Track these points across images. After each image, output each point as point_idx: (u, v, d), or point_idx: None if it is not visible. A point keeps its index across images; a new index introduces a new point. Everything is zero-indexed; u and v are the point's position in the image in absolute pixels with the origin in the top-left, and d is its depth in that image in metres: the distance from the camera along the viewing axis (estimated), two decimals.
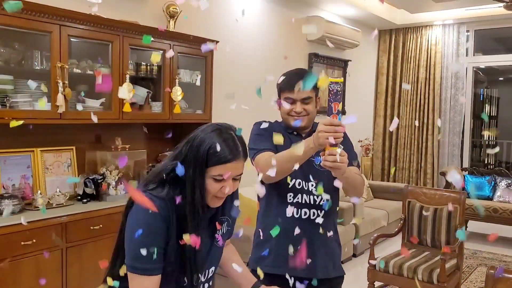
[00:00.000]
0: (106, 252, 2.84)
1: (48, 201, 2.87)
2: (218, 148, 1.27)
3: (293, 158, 1.64)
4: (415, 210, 3.50)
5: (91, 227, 2.81)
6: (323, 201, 1.83)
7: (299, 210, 1.84)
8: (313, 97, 1.85)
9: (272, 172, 1.48)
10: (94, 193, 3.11)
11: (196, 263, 1.33)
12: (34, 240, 2.53)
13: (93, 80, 3.15)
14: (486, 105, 10.20)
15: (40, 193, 2.86)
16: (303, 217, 1.83)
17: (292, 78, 1.82)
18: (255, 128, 1.94)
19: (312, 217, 1.84)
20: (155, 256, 1.25)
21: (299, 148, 1.45)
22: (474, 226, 6.05)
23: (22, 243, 2.48)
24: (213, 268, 1.47)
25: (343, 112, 6.58)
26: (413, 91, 6.71)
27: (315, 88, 1.83)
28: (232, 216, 1.52)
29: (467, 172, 6.05)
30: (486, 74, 9.19)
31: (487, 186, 5.72)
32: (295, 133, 1.92)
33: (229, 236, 1.58)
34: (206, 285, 1.46)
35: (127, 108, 3.11)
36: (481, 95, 10.07)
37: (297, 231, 1.79)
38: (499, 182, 5.68)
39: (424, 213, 3.33)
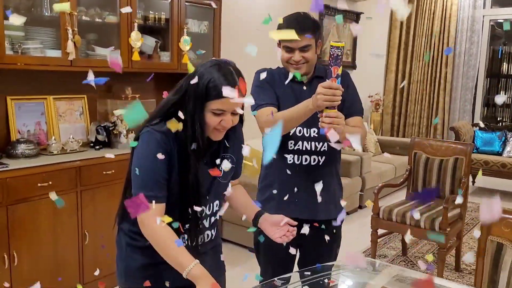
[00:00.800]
0: (118, 195, 2.97)
1: (62, 147, 2.97)
2: (217, 82, 1.31)
3: (294, 118, 1.72)
4: (421, 161, 3.55)
5: (104, 172, 2.92)
6: (324, 147, 1.88)
7: (300, 156, 1.89)
8: (313, 43, 1.84)
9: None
10: (106, 140, 3.20)
11: (199, 195, 1.40)
12: (50, 182, 2.65)
13: (102, 28, 3.19)
14: (504, 63, 9.96)
15: (54, 139, 2.96)
16: (304, 163, 1.89)
17: (290, 26, 1.76)
18: (255, 79, 1.95)
19: (312, 163, 1.89)
20: (157, 182, 1.33)
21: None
22: (481, 181, 6.10)
23: (39, 184, 2.60)
24: (217, 202, 1.54)
25: (354, 67, 6.53)
26: (426, 44, 6.58)
27: (315, 33, 1.82)
28: (238, 156, 1.58)
29: (477, 127, 6.03)
30: (503, 29, 8.94)
31: (497, 141, 5.71)
32: (296, 79, 1.90)
33: (236, 175, 1.64)
34: (212, 218, 1.54)
35: (136, 56, 3.14)
36: (500, 52, 9.82)
37: (298, 176, 1.87)
38: (510, 137, 5.67)
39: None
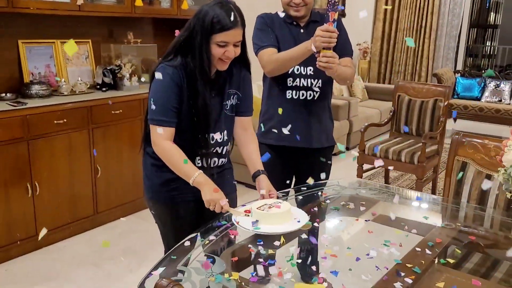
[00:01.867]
0: (127, 133, 3.24)
1: (72, 89, 3.18)
2: (220, 17, 1.53)
3: (293, 58, 1.98)
4: (404, 103, 3.84)
5: (112, 112, 3.15)
6: (319, 83, 2.09)
7: (297, 92, 2.11)
8: None
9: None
10: (112, 83, 3.41)
11: (208, 122, 1.64)
12: (65, 120, 2.88)
13: None
14: (492, 13, 10.09)
15: (64, 81, 3.16)
16: (301, 98, 2.11)
17: None
18: (257, 22, 2.16)
19: (308, 98, 2.11)
20: (168, 109, 1.57)
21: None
22: (461, 125, 6.46)
23: (55, 122, 2.83)
24: (226, 132, 1.77)
25: (344, 15, 6.67)
26: None
27: None
28: (245, 93, 1.80)
29: (459, 74, 6.32)
30: None
31: (476, 87, 6.03)
32: (294, 23, 2.13)
33: (246, 111, 1.83)
34: (223, 147, 1.78)
35: (139, 2, 3.29)
36: (487, 2, 9.93)
37: (296, 110, 2.11)
38: (488, 83, 5.98)
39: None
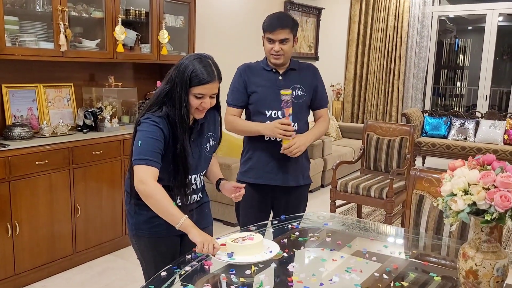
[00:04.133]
0: (107, 173, 3.35)
1: (53, 131, 3.28)
2: (198, 72, 1.70)
3: (246, 131, 2.33)
4: (373, 141, 4.06)
5: (93, 152, 3.26)
6: (295, 127, 2.24)
7: None
8: (290, 38, 2.23)
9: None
10: (93, 125, 3.53)
11: (186, 165, 1.79)
12: (47, 161, 2.97)
13: (88, 22, 3.50)
14: (460, 55, 10.65)
15: (46, 123, 3.27)
16: (278, 140, 2.25)
17: (273, 22, 2.23)
18: (235, 75, 2.39)
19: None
20: (154, 152, 1.70)
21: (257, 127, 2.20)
22: (431, 162, 6.74)
23: (37, 163, 2.92)
24: (204, 171, 1.96)
25: (317, 58, 7.02)
26: (382, 38, 7.15)
27: (293, 30, 2.25)
28: (218, 135, 1.99)
29: (427, 113, 6.65)
30: (455, 23, 9.63)
31: (443, 126, 6.35)
32: (273, 70, 2.32)
33: (215, 149, 2.03)
34: (199, 183, 1.93)
35: (120, 48, 3.48)
36: (456, 45, 10.50)
37: (272, 151, 2.27)
38: (454, 122, 6.31)
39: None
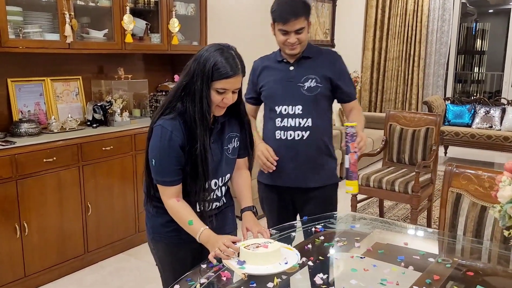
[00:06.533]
0: (118, 169, 3.21)
1: (62, 126, 3.15)
2: (220, 65, 1.52)
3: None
4: (396, 132, 3.85)
5: (103, 148, 3.12)
6: (308, 123, 2.04)
7: (285, 132, 2.06)
8: (305, 25, 1.98)
9: None
10: (103, 119, 3.39)
11: (207, 169, 1.60)
12: (55, 158, 2.84)
13: (96, 12, 3.34)
14: (478, 39, 10.29)
15: (54, 119, 3.14)
16: (289, 138, 2.06)
17: (284, 11, 1.95)
18: (251, 69, 2.18)
19: (296, 138, 2.05)
20: (170, 171, 1.57)
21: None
22: (453, 151, 6.48)
23: (44, 160, 2.79)
24: (228, 175, 1.76)
25: (333, 45, 6.78)
26: (401, 23, 6.87)
27: (307, 16, 1.99)
28: (243, 136, 1.78)
29: (449, 101, 6.38)
30: (476, 6, 9.26)
31: (467, 114, 6.08)
32: (284, 60, 2.10)
33: (243, 153, 1.81)
34: (223, 188, 1.76)
35: (129, 38, 3.31)
36: (474, 29, 10.14)
37: (284, 150, 2.06)
38: (478, 110, 6.04)
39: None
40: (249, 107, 2.19)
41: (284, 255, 1.51)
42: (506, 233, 1.06)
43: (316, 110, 2.06)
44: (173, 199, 1.60)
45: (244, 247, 1.49)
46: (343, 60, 2.17)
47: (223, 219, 1.81)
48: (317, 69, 2.06)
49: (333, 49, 2.21)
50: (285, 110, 2.06)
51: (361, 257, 1.63)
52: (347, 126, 1.84)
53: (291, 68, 2.08)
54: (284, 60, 2.10)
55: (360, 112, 2.16)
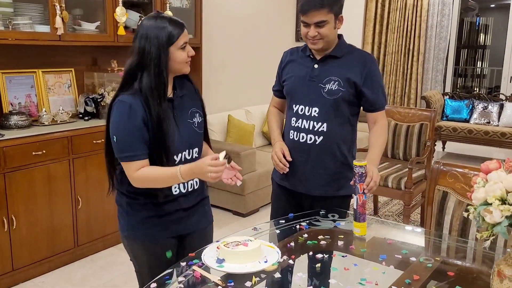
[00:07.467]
0: None
1: (53, 118, 3.13)
2: (170, 27, 1.55)
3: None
4: (390, 127, 3.82)
5: (94, 141, 3.10)
6: (323, 127, 1.91)
7: (298, 134, 1.96)
8: (329, 19, 1.84)
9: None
10: (95, 112, 3.37)
11: (173, 138, 1.60)
12: (44, 151, 2.83)
13: (88, 4, 3.31)
14: (482, 34, 10.21)
15: (45, 111, 3.12)
16: (301, 140, 1.94)
17: (306, 1, 1.83)
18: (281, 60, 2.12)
19: (308, 142, 1.93)
20: (133, 143, 1.54)
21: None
22: (451, 146, 6.45)
23: (33, 153, 2.78)
24: (196, 149, 1.74)
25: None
26: (400, 17, 6.80)
27: (332, 8, 1.84)
28: (201, 111, 1.78)
29: (447, 96, 6.34)
30: (477, 1, 9.18)
31: (465, 109, 6.04)
32: (311, 56, 1.96)
33: (204, 126, 1.81)
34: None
35: (121, 31, 3.28)
36: (477, 24, 10.06)
37: (296, 152, 1.97)
38: (476, 105, 6.00)
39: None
40: (274, 100, 2.17)
41: (264, 253, 1.50)
42: (478, 235, 1.04)
43: (335, 115, 1.91)
44: (140, 169, 1.55)
45: (224, 245, 1.48)
46: (377, 64, 1.99)
47: (202, 213, 1.81)
48: (342, 71, 1.90)
49: (369, 53, 2.00)
50: (302, 110, 1.94)
51: (343, 256, 1.61)
52: (355, 165, 1.69)
53: (316, 66, 1.94)
54: (311, 56, 1.96)
55: (384, 129, 1.99)
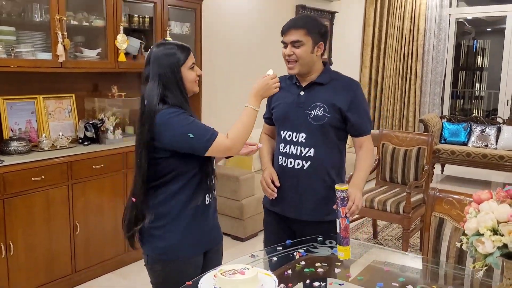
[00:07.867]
0: (108, 187, 3.20)
1: (53, 144, 3.16)
2: (178, 52, 1.71)
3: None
4: (388, 151, 3.84)
5: (93, 166, 3.12)
6: (310, 152, 1.93)
7: (286, 159, 1.98)
8: (306, 42, 1.88)
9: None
10: (94, 137, 3.39)
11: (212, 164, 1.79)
12: (43, 177, 2.84)
13: (89, 31, 3.38)
14: (479, 56, 10.34)
15: (45, 136, 3.15)
16: (289, 166, 1.97)
17: (287, 23, 1.93)
18: None
19: (296, 167, 1.95)
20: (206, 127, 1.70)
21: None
22: (450, 170, 6.46)
23: (33, 179, 2.79)
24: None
25: (330, 63, 6.81)
26: (397, 42, 6.92)
27: (312, 34, 1.89)
28: None
29: (445, 119, 6.39)
30: (474, 25, 9.32)
31: (462, 132, 6.07)
32: (297, 84, 1.99)
33: None
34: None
35: (122, 57, 3.34)
36: (474, 47, 10.20)
37: (284, 178, 1.99)
38: (474, 128, 6.03)
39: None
40: (265, 127, 2.23)
41: (261, 281, 1.50)
42: (471, 266, 1.05)
43: (322, 140, 1.94)
44: (227, 138, 1.70)
45: (221, 273, 1.48)
46: (361, 90, 2.02)
47: (218, 227, 1.92)
48: (327, 97, 1.93)
49: (353, 79, 2.06)
50: (289, 136, 1.97)
51: (340, 284, 1.61)
52: (337, 189, 1.72)
53: (302, 93, 1.98)
54: (297, 83, 2.01)
55: (369, 154, 2.02)
